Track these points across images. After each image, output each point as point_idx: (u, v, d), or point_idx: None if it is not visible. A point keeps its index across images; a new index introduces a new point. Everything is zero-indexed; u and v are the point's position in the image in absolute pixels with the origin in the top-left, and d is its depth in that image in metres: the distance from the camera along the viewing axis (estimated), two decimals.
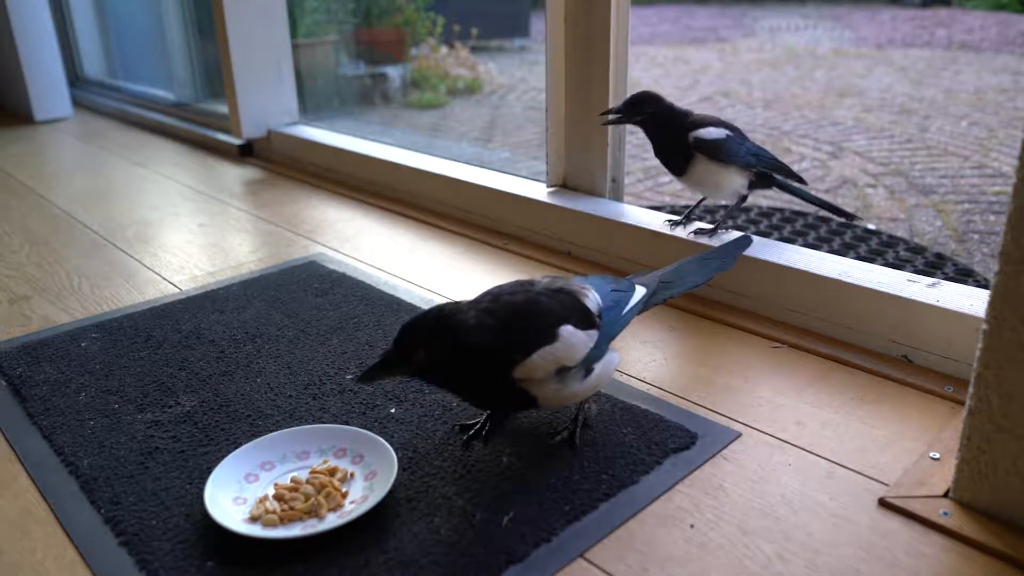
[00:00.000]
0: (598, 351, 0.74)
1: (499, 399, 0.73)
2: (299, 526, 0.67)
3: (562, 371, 0.71)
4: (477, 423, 0.79)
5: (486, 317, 0.69)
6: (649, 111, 1.07)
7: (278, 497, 0.70)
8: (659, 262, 1.14)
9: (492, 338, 0.68)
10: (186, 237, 1.46)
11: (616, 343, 0.99)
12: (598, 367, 0.74)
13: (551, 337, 0.70)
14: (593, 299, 0.76)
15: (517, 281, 0.77)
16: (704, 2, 9.20)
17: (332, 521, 0.67)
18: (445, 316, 0.68)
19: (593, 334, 0.74)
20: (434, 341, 0.67)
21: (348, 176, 1.75)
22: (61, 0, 3.10)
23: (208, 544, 0.66)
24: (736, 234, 1.08)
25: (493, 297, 0.73)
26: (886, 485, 0.71)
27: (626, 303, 0.80)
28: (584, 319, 0.73)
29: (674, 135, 1.07)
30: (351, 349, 0.99)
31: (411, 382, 0.90)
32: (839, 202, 2.40)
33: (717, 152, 1.05)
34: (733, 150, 1.05)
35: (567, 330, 0.71)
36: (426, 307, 1.10)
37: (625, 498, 0.70)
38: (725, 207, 1.21)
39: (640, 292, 0.82)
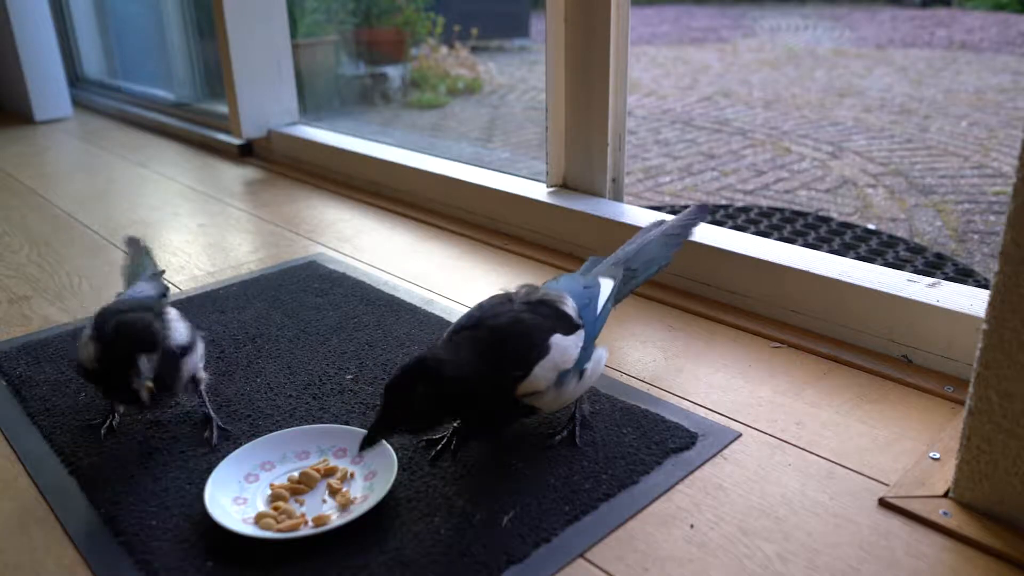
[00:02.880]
0: (586, 352, 0.75)
1: (505, 418, 0.75)
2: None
3: (560, 376, 0.72)
4: (443, 438, 0.79)
5: (468, 353, 0.69)
6: None
7: (275, 497, 0.70)
8: None
9: (483, 368, 0.69)
10: (186, 237, 1.46)
11: (614, 343, 0.99)
12: (589, 366, 0.76)
13: (545, 350, 0.71)
14: (571, 304, 0.77)
15: (495, 298, 0.77)
16: (704, 2, 9.20)
17: (332, 521, 0.67)
18: (428, 364, 0.67)
19: (580, 335, 0.75)
20: (429, 390, 0.66)
21: (348, 176, 1.75)
22: (61, 0, 3.10)
23: (208, 544, 0.66)
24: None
25: (476, 323, 0.73)
26: (886, 485, 0.71)
27: (597, 297, 0.81)
28: (567, 325, 0.75)
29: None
30: (351, 349, 0.99)
31: None
32: (839, 202, 2.40)
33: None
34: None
35: (556, 339, 0.72)
36: (426, 307, 1.10)
37: (625, 498, 0.70)
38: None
39: (607, 285, 0.84)
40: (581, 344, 0.75)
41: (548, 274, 1.21)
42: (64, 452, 0.79)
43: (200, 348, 0.83)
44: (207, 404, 0.84)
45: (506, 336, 0.71)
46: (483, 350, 0.70)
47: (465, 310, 1.07)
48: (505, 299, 0.77)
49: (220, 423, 0.83)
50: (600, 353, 0.79)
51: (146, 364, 0.71)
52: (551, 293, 0.78)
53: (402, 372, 0.67)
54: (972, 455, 0.66)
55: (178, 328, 0.79)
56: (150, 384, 0.71)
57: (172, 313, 0.82)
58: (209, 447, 0.79)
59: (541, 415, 0.79)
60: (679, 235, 0.95)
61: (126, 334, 0.72)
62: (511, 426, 0.80)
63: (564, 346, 0.73)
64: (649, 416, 0.82)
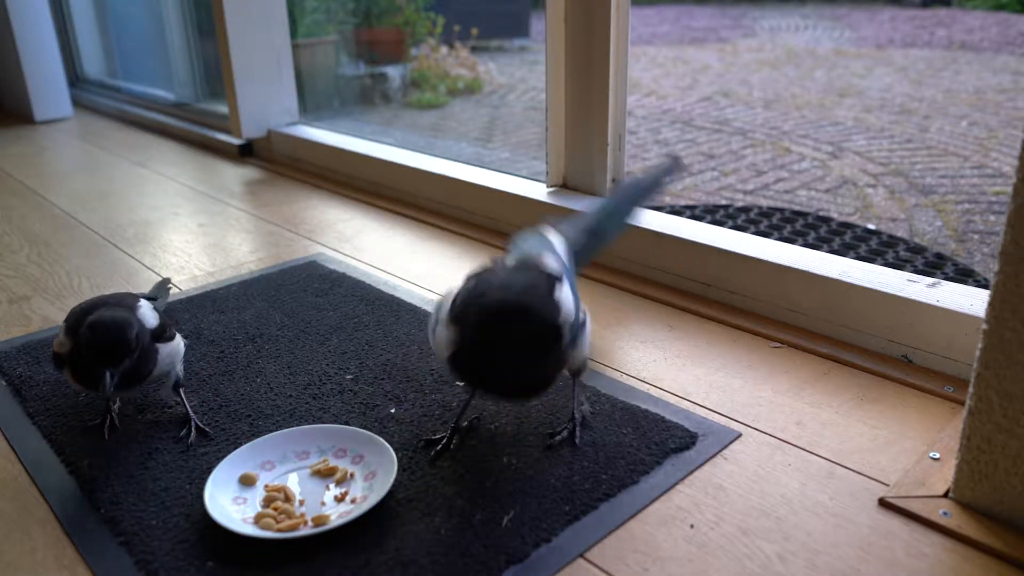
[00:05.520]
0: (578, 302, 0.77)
1: (552, 374, 0.71)
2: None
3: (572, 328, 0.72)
4: (443, 438, 0.79)
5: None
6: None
7: (268, 500, 0.70)
8: (659, 262, 1.15)
9: (551, 313, 0.68)
10: (186, 237, 1.46)
11: (614, 343, 0.99)
12: (585, 318, 0.77)
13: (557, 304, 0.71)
14: (552, 260, 0.78)
15: (482, 270, 0.76)
16: (704, 2, 9.20)
17: (331, 521, 0.67)
18: (528, 297, 0.68)
19: (566, 289, 0.75)
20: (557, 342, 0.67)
21: (348, 176, 1.75)
22: (61, 0, 3.10)
23: (208, 544, 0.66)
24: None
25: (486, 291, 0.70)
26: (886, 485, 0.71)
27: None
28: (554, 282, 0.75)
29: None
30: (351, 349, 0.99)
31: (410, 382, 0.90)
32: (839, 202, 2.40)
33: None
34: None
35: (559, 292, 0.72)
36: (426, 308, 1.10)
37: (625, 498, 0.70)
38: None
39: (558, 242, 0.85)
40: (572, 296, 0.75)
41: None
42: (64, 452, 0.79)
43: (179, 347, 0.84)
44: (185, 403, 0.85)
45: (529, 292, 0.69)
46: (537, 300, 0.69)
47: None
48: (488, 271, 0.76)
49: (198, 423, 0.83)
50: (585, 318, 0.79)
51: (109, 380, 0.73)
52: (532, 256, 0.78)
53: (528, 332, 0.66)
54: (972, 455, 0.66)
55: (147, 318, 0.80)
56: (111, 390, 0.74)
57: (144, 305, 0.82)
58: (185, 446, 0.80)
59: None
60: (643, 185, 0.95)
61: (98, 343, 0.73)
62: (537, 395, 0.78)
63: (567, 298, 0.73)
64: (649, 416, 0.82)
